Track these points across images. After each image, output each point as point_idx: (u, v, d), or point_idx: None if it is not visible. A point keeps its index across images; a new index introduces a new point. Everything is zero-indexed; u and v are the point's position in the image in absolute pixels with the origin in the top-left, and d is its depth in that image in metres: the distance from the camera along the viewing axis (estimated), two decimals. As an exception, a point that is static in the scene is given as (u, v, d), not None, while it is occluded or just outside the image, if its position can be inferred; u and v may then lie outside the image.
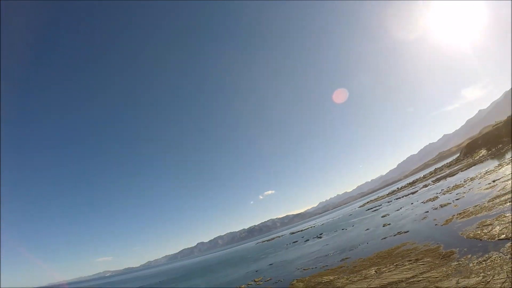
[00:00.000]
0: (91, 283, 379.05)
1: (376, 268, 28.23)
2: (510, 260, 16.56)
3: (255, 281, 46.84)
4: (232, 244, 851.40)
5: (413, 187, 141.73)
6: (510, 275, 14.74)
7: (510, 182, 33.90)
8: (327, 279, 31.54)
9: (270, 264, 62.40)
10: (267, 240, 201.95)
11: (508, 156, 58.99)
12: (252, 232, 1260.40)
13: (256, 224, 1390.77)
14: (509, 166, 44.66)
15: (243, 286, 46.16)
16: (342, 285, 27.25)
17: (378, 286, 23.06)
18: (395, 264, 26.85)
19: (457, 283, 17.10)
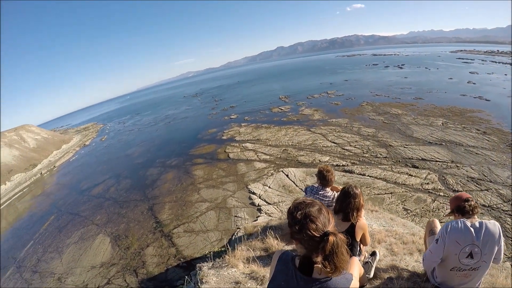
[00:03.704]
0: (177, 83, 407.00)
1: (444, 120, 27.46)
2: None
3: (327, 93, 48.60)
4: (311, 53, 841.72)
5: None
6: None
7: None
8: (395, 111, 31.91)
9: (345, 80, 62.77)
10: (347, 56, 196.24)
11: None
12: (333, 44, 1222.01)
13: (339, 36, 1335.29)
14: None
15: (315, 95, 48.37)
16: (407, 122, 27.61)
17: (438, 138, 23.01)
18: (463, 125, 25.66)
19: (507, 177, 16.48)
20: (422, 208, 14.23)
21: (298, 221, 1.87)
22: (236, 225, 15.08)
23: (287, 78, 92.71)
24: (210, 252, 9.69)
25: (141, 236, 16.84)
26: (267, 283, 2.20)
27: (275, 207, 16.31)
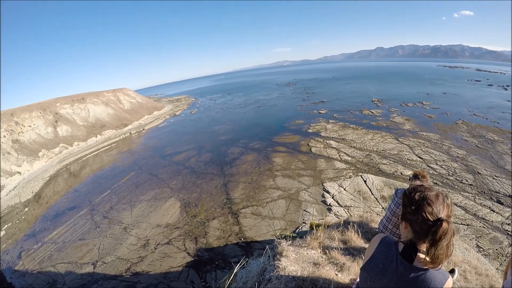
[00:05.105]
0: (271, 70, 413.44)
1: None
2: None
3: (422, 103, 45.74)
4: (412, 58, 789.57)
5: None
6: None
7: None
8: (491, 136, 28.23)
9: (443, 93, 57.48)
10: (450, 67, 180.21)
11: None
12: (436, 51, 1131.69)
13: (443, 44, 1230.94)
14: None
15: (409, 103, 45.88)
16: (501, 151, 24.18)
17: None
18: None
19: None
20: (496, 250, 12.64)
21: (415, 202, 1.96)
22: (303, 219, 15.01)
23: (382, 81, 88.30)
24: (280, 234, 9.84)
25: (209, 208, 17.65)
26: (362, 264, 2.27)
27: (346, 210, 15.91)
